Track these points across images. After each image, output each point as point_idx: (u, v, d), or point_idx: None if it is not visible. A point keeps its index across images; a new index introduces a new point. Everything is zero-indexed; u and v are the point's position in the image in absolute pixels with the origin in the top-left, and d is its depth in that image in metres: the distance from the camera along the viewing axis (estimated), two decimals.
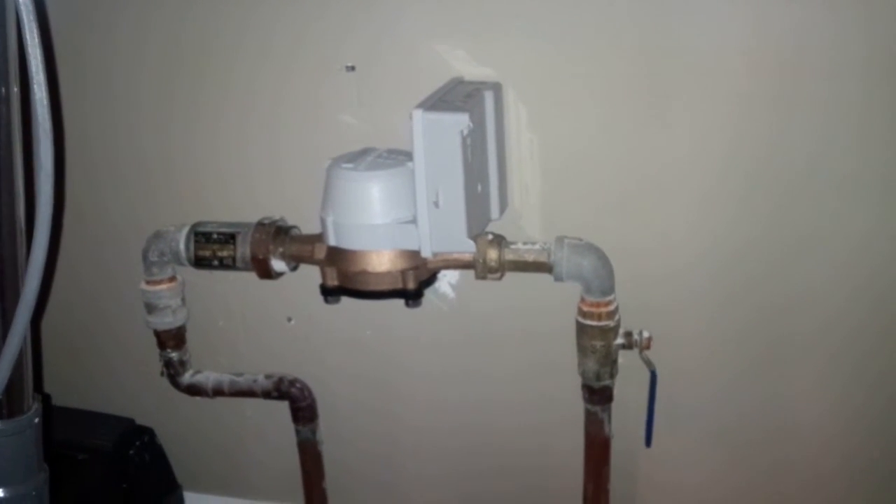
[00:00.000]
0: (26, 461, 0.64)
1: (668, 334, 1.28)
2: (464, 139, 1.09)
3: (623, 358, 1.25)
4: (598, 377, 1.23)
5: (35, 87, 0.55)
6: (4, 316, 0.60)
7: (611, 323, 1.19)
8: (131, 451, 1.53)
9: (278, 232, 1.28)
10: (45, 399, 0.73)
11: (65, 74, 1.40)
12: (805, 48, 1.14)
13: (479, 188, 1.18)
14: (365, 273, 1.20)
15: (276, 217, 1.32)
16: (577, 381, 1.26)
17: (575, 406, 1.29)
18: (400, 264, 1.19)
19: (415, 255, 1.18)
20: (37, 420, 0.64)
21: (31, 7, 0.55)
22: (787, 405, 1.33)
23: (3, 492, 0.62)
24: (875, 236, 1.21)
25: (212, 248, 1.30)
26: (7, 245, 0.61)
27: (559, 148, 1.26)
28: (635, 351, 1.23)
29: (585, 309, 1.19)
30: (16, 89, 0.60)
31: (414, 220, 1.15)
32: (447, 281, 1.37)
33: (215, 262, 1.30)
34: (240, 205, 1.39)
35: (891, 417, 1.30)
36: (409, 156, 1.15)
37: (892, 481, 1.34)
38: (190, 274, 1.37)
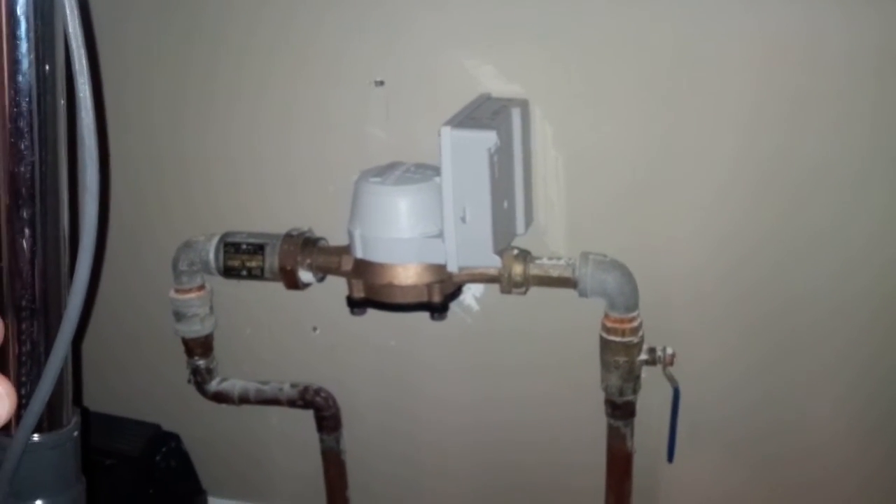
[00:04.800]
0: (65, 474, 0.66)
1: (685, 336, 1.29)
2: (491, 156, 1.10)
3: (646, 373, 1.26)
4: (622, 392, 1.24)
5: (83, 112, 0.57)
6: (48, 334, 0.61)
7: (634, 339, 1.20)
8: (157, 457, 1.55)
9: (306, 243, 1.30)
10: (84, 411, 0.74)
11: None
12: (818, 45, 1.14)
13: (506, 204, 1.20)
14: (391, 286, 1.21)
15: (305, 228, 1.33)
16: (600, 396, 1.27)
17: (597, 420, 1.30)
18: (426, 278, 1.21)
19: (441, 268, 1.19)
20: (76, 433, 0.66)
21: (80, 33, 0.57)
22: (801, 405, 1.33)
23: (43, 503, 0.63)
24: (885, 234, 1.21)
25: (241, 258, 1.31)
26: (51, 263, 0.62)
27: (584, 165, 1.28)
28: (659, 366, 1.24)
29: (609, 325, 1.20)
30: (63, 102, 0.62)
31: (440, 235, 1.17)
32: (472, 294, 1.38)
33: (244, 273, 1.32)
34: (270, 214, 1.41)
35: None
36: (436, 170, 1.16)
37: None
38: (217, 283, 1.39)
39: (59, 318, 0.60)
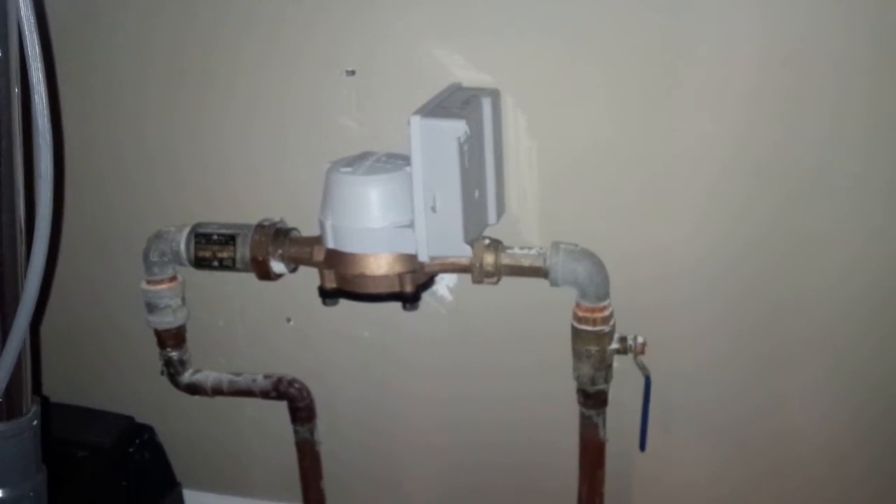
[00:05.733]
0: (25, 463, 0.65)
1: (668, 336, 1.29)
2: (461, 145, 1.10)
3: (618, 362, 1.26)
4: (593, 381, 1.24)
5: (36, 96, 0.56)
6: (4, 320, 0.61)
7: (605, 328, 1.20)
8: (131, 449, 1.54)
9: (278, 234, 1.29)
10: (44, 400, 0.74)
11: (70, 74, 1.42)
12: (813, 45, 1.14)
13: (477, 194, 1.19)
14: (363, 276, 1.21)
15: (276, 219, 1.33)
16: (573, 385, 1.27)
17: (570, 409, 1.30)
18: (397, 268, 1.20)
19: (412, 258, 1.19)
20: (35, 422, 0.66)
21: (32, 19, 0.56)
22: (787, 407, 1.34)
23: (2, 493, 0.63)
24: (880, 237, 1.21)
25: (212, 249, 1.31)
26: (7, 249, 0.62)
27: (558, 154, 1.27)
28: (630, 355, 1.24)
29: (580, 314, 1.20)
30: (17, 90, 0.61)
31: (411, 225, 1.16)
32: (445, 284, 1.38)
33: (215, 263, 1.31)
34: (242, 205, 1.40)
35: (892, 419, 1.31)
36: (407, 160, 1.15)
37: (893, 482, 1.35)
38: (190, 274, 1.38)
39: (16, 305, 0.59)
